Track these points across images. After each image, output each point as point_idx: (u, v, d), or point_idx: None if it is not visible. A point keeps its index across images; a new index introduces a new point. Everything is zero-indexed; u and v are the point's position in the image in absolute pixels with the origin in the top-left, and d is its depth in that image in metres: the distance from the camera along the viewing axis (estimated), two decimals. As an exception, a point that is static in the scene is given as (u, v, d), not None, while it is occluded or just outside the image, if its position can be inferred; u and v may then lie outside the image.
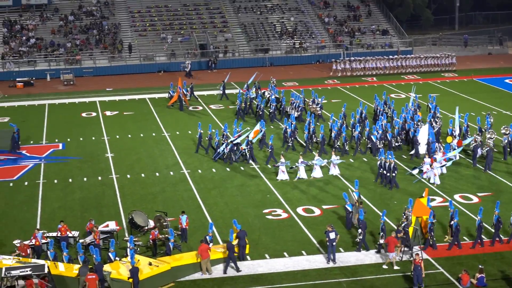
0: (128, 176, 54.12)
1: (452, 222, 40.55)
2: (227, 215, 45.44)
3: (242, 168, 54.74)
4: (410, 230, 39.86)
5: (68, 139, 64.37)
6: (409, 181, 51.08)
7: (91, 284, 35.17)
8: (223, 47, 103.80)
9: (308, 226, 43.52)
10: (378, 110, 65.62)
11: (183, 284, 37.31)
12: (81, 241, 40.84)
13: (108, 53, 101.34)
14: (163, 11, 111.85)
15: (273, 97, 70.35)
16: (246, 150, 56.17)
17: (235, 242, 39.59)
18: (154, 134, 64.78)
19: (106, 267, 36.80)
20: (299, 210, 46.58)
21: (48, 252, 38.95)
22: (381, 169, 50.73)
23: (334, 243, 38.75)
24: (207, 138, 58.94)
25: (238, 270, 38.48)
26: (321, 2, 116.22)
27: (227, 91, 78.51)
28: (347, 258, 39.56)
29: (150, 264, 37.24)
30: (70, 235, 41.43)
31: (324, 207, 46.81)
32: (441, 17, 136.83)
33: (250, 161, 56.10)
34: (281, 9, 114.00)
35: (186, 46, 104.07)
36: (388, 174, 50.03)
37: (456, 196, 47.87)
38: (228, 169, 54.32)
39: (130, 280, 35.64)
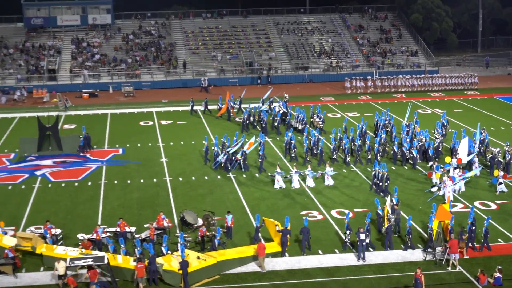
0: (180, 179, 54.33)
1: (473, 228, 40.32)
2: (268, 215, 45.27)
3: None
4: (434, 233, 39.62)
5: (127, 145, 64.80)
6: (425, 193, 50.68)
7: (140, 272, 35.71)
8: (267, 65, 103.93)
9: (341, 227, 43.32)
10: (378, 125, 65.06)
11: (227, 277, 37.39)
12: (137, 236, 41.27)
13: (164, 68, 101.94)
14: (214, 32, 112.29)
15: (280, 111, 69.88)
16: (241, 160, 55.97)
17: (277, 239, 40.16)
18: (204, 142, 65.00)
19: (159, 260, 37.05)
20: (333, 212, 46.48)
21: (108, 245, 39.32)
22: (375, 179, 50.35)
23: (364, 243, 38.74)
24: (213, 148, 58.84)
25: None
26: (354, 26, 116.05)
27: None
28: (375, 257, 39.44)
29: (198, 258, 37.39)
30: (128, 230, 41.76)
31: (356, 210, 46.66)
32: (465, 40, 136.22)
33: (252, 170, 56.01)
34: (320, 31, 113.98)
35: (234, 63, 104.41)
36: (381, 184, 49.66)
37: (476, 203, 47.46)
38: (270, 173, 54.25)
39: (180, 271, 35.83)
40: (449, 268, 37.74)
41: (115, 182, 53.95)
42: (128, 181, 54.01)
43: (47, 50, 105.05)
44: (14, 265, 37.52)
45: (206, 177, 54.29)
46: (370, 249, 40.13)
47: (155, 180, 54.24)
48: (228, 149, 56.62)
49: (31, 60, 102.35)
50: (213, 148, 59.00)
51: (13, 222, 44.94)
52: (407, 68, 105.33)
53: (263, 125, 67.54)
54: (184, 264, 35.86)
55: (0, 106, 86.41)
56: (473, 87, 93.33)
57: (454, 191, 48.79)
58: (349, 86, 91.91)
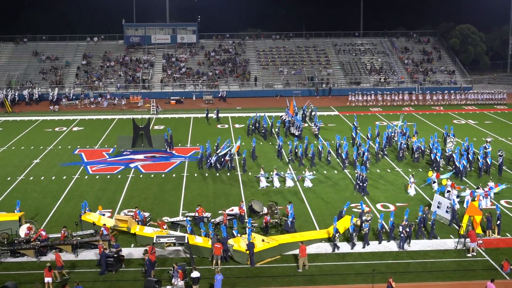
0: (250, 173, 54.38)
1: (499, 222, 39.61)
2: (323, 207, 45.28)
3: (335, 172, 54.43)
4: (464, 226, 38.99)
5: (206, 144, 65.03)
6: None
7: (217, 251, 35.91)
8: (325, 80, 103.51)
9: (384, 218, 42.81)
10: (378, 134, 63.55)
11: (287, 257, 37.31)
12: (212, 220, 41.46)
13: (239, 81, 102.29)
14: (282, 51, 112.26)
15: (286, 120, 69.74)
16: (229, 161, 55.47)
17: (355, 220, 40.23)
18: (270, 143, 64.93)
19: (230, 241, 37.19)
20: (378, 205, 46.06)
21: (187, 227, 39.58)
22: (358, 180, 49.27)
23: (402, 235, 38.31)
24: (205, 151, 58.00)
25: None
26: (400, 48, 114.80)
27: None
28: (413, 245, 38.92)
29: (263, 240, 37.41)
30: (204, 215, 41.99)
31: (398, 204, 46.15)
32: (496, 62, 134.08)
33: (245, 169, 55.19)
34: (371, 52, 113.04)
35: (297, 78, 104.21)
36: (361, 184, 48.71)
37: (502, 201, 46.42)
38: (325, 172, 53.92)
39: (247, 252, 35.95)
40: (474, 253, 37.36)
41: (195, 175, 54.27)
42: (206, 175, 54.22)
43: (142, 63, 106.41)
44: (109, 241, 38.08)
45: (271, 173, 54.20)
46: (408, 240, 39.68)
47: (228, 174, 54.37)
48: (218, 151, 56.51)
49: (128, 71, 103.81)
50: (204, 151, 57.90)
51: (110, 206, 45.69)
52: (445, 84, 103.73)
53: (263, 131, 67.60)
54: (250, 245, 35.95)
55: (102, 109, 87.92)
56: (502, 102, 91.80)
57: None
58: (353, 100, 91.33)
